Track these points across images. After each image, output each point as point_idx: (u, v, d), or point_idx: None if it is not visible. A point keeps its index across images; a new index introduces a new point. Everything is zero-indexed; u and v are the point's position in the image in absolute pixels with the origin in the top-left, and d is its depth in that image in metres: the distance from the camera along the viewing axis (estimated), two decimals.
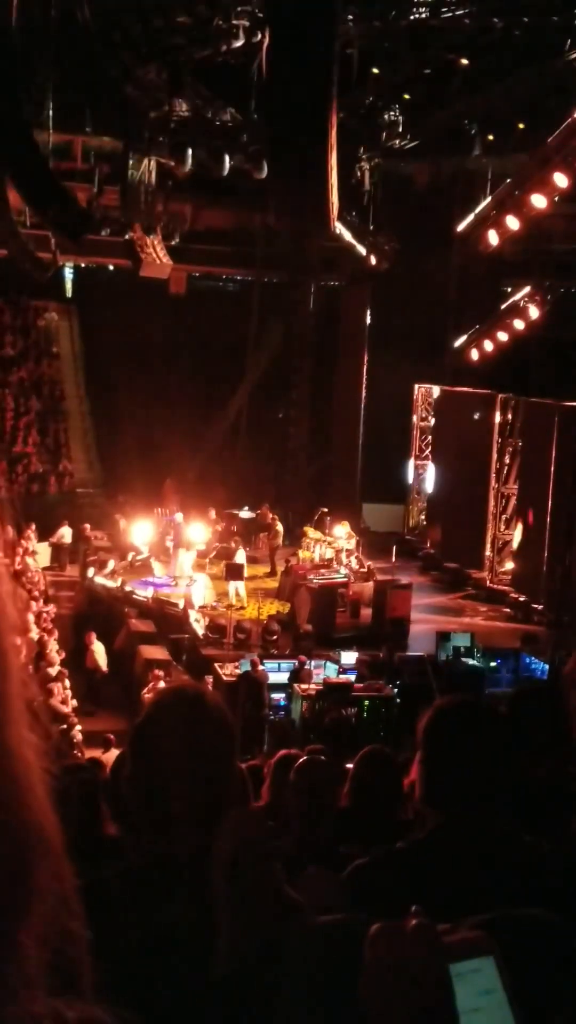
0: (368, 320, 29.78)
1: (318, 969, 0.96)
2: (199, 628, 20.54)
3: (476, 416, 26.57)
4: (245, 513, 27.09)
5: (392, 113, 25.98)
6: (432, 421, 29.17)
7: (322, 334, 29.84)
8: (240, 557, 22.82)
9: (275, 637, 20.14)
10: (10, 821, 0.77)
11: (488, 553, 25.86)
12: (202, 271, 35.13)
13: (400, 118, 26.07)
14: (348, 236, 26.52)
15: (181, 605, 21.43)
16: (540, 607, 22.47)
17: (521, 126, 25.32)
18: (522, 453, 25.19)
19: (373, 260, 27.84)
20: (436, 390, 29.01)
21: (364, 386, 29.79)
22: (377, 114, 26.13)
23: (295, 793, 4.18)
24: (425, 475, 29.56)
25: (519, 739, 2.53)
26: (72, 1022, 0.75)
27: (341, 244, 26.95)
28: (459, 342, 29.02)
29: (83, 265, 33.59)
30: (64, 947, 0.79)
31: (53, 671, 17.41)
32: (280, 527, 26.40)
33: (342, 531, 24.56)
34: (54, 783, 0.83)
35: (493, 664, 19.14)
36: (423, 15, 21.21)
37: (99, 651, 19.43)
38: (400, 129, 26.26)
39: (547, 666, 17.66)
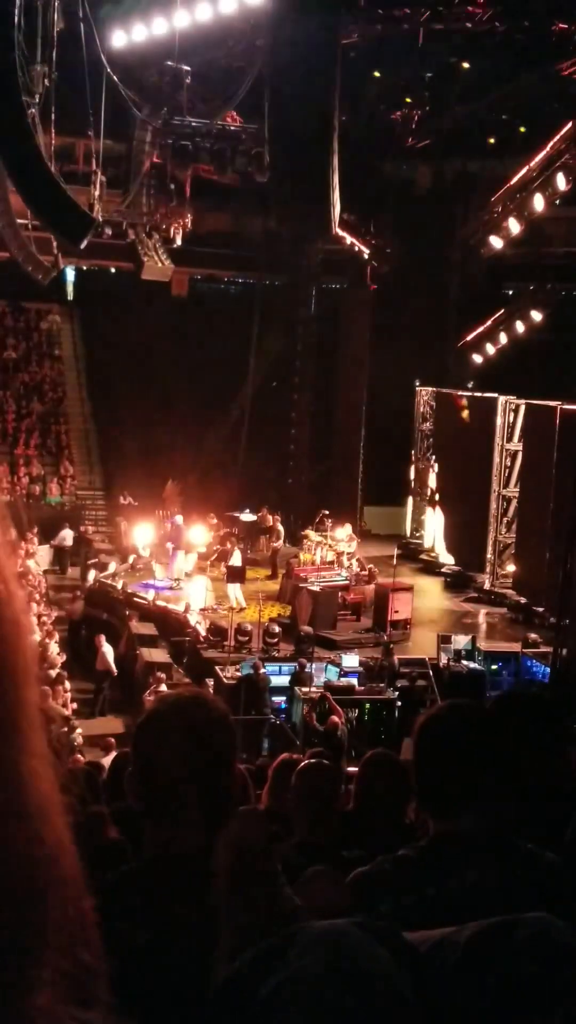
0: (369, 323, 29.78)
1: (314, 974, 0.96)
2: (200, 630, 20.54)
3: (477, 418, 26.58)
4: (246, 516, 27.09)
5: (394, 117, 26.00)
6: (433, 423, 29.16)
7: (324, 337, 29.84)
8: (236, 558, 22.81)
9: (276, 640, 20.13)
10: (24, 855, 0.76)
11: (489, 556, 25.85)
12: (204, 274, 35.19)
13: (401, 122, 26.09)
14: (349, 239, 26.54)
15: (182, 607, 21.44)
16: (541, 610, 22.46)
17: (522, 129, 25.35)
18: (523, 456, 25.19)
19: (375, 263, 27.87)
20: (438, 392, 28.99)
21: (366, 389, 29.79)
22: (379, 118, 26.15)
23: (297, 796, 4.18)
24: (427, 478, 29.56)
25: (509, 742, 2.53)
26: None
27: (342, 247, 26.97)
28: (460, 345, 29.03)
29: (85, 268, 33.63)
30: (80, 975, 0.78)
31: (53, 673, 17.41)
32: (281, 529, 26.39)
33: (344, 533, 24.56)
34: (70, 803, 0.82)
35: (494, 667, 19.14)
36: (425, 19, 21.23)
37: (109, 653, 19.47)
38: (401, 133, 26.29)
39: (548, 669, 17.67)
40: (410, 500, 30.14)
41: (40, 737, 0.80)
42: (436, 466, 28.39)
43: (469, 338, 28.46)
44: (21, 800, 0.77)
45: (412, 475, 29.90)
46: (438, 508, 27.99)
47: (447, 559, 27.16)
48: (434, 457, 28.53)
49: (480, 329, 27.90)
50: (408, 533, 29.86)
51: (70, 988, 0.75)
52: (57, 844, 0.78)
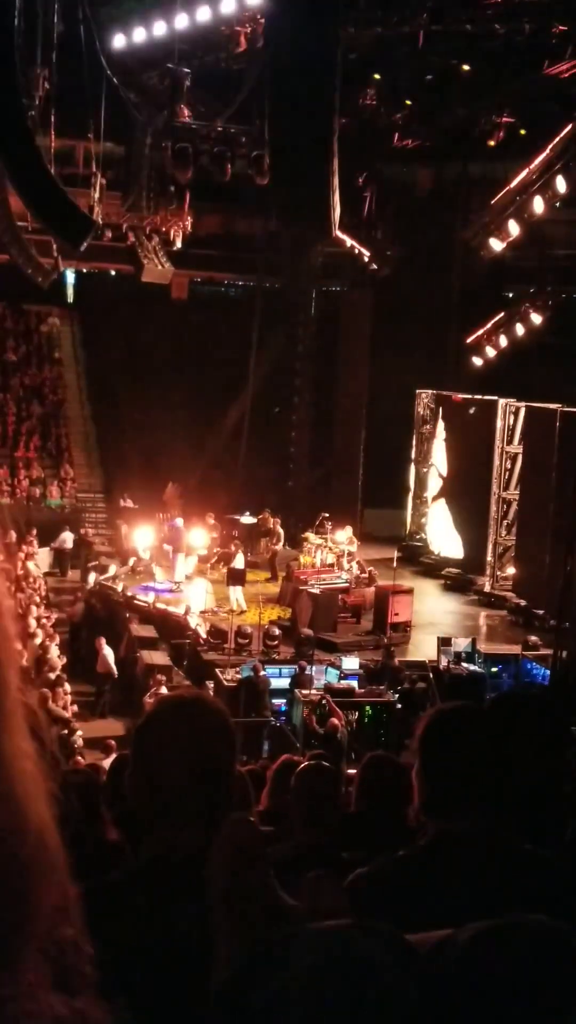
0: (370, 325, 29.78)
1: (315, 975, 0.96)
2: (200, 633, 20.55)
3: (478, 421, 26.58)
4: (246, 518, 27.09)
5: (394, 119, 25.99)
6: (433, 426, 29.14)
7: (324, 339, 29.84)
8: (239, 561, 22.80)
9: (276, 642, 20.13)
10: (10, 836, 0.76)
11: (489, 558, 25.85)
12: (203, 276, 35.19)
13: (402, 124, 26.09)
14: (349, 242, 26.54)
15: (182, 610, 21.44)
16: (541, 612, 22.45)
17: (523, 132, 25.34)
18: (523, 458, 25.19)
19: (375, 265, 27.86)
20: (438, 395, 28.99)
21: (366, 391, 29.78)
22: (379, 120, 26.14)
23: (297, 798, 4.17)
24: (427, 480, 29.54)
25: (508, 742, 2.53)
26: (64, 1018, 0.75)
27: (343, 249, 26.97)
28: (461, 347, 29.02)
29: (85, 270, 33.62)
30: (65, 952, 0.78)
31: (53, 676, 17.41)
32: (281, 532, 26.37)
33: (344, 536, 24.55)
34: (55, 789, 0.82)
35: (494, 669, 19.13)
36: (425, 20, 21.23)
37: (110, 655, 19.48)
38: (402, 135, 26.28)
39: (548, 671, 17.65)
40: (410, 502, 30.13)
41: (21, 717, 0.80)
42: (444, 439, 28.04)
43: (469, 340, 28.44)
44: (3, 778, 0.76)
45: (412, 478, 29.90)
46: (443, 500, 27.74)
47: (452, 551, 26.95)
48: (444, 432, 28.16)
49: (480, 331, 27.89)
50: (408, 535, 29.86)
51: (53, 973, 0.75)
52: (41, 825, 0.78)
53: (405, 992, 0.95)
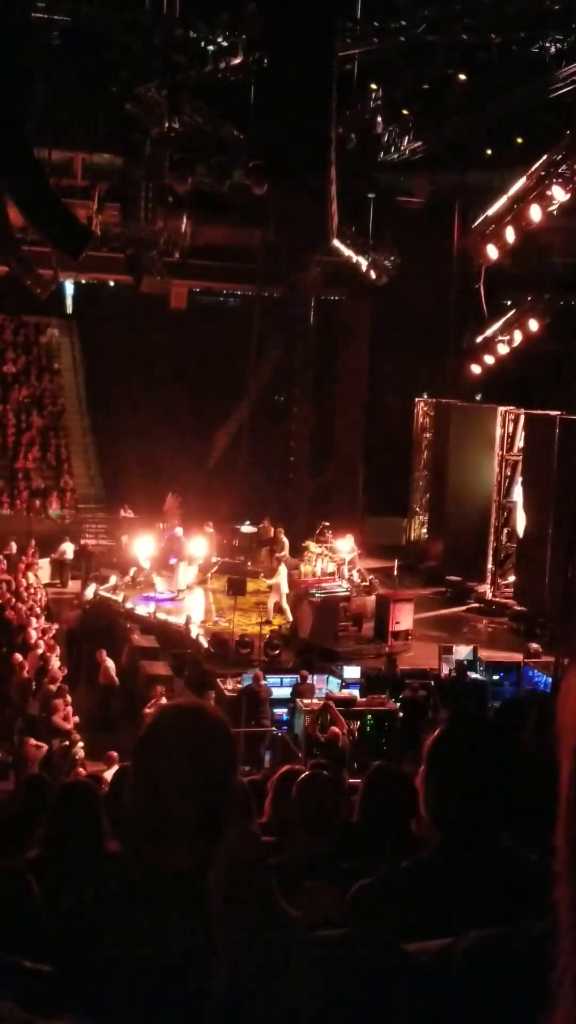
0: (369, 334, 29.81)
1: (316, 983, 0.96)
2: (202, 642, 20.53)
3: (477, 428, 26.57)
4: (247, 527, 27.08)
5: (391, 128, 26.08)
6: (433, 433, 29.16)
7: (323, 348, 29.89)
8: (283, 575, 22.68)
9: (277, 651, 20.10)
10: None
11: (490, 566, 25.83)
12: (202, 286, 35.25)
13: (399, 133, 26.17)
14: (347, 251, 26.59)
15: (183, 620, 21.43)
16: (542, 620, 22.43)
17: (519, 140, 25.44)
18: (523, 465, 25.19)
19: (373, 275, 27.91)
20: (437, 403, 29.00)
21: (366, 400, 29.80)
22: (376, 129, 26.22)
23: (298, 808, 4.17)
24: (427, 488, 29.53)
25: (511, 751, 2.53)
26: None
27: (341, 259, 27.02)
28: (460, 355, 29.07)
29: (84, 281, 33.69)
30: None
31: (54, 687, 17.37)
32: (285, 541, 26.33)
33: (345, 545, 24.52)
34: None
35: (496, 677, 19.10)
36: (422, 31, 21.33)
37: (112, 667, 19.45)
38: (399, 144, 26.36)
39: (550, 679, 17.63)
40: (411, 510, 30.14)
41: None
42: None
43: (468, 348, 28.49)
44: None
45: (413, 485, 29.92)
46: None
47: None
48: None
49: (479, 339, 27.95)
50: (408, 543, 29.86)
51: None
52: None
53: (403, 1000, 0.95)
